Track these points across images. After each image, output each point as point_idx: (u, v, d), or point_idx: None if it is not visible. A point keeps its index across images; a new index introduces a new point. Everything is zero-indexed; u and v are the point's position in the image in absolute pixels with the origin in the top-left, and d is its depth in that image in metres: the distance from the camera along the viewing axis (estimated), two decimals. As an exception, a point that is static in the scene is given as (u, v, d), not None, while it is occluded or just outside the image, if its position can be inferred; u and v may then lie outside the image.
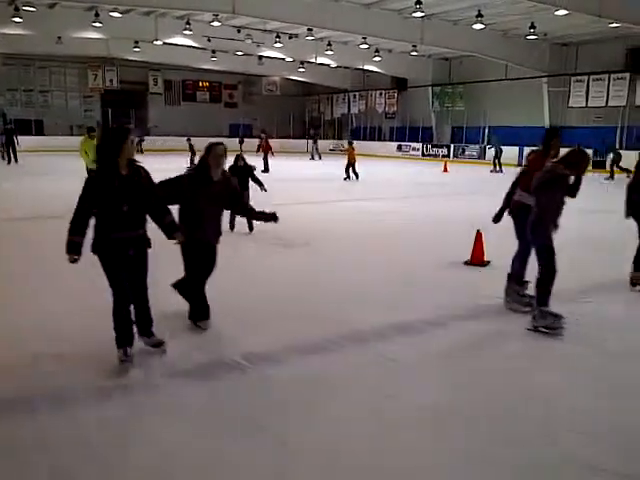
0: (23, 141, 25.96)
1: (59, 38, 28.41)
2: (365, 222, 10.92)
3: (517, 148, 27.87)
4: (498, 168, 24.59)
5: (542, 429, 3.36)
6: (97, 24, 24.53)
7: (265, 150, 22.50)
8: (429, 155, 33.26)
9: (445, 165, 24.66)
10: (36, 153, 27.09)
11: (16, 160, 23.48)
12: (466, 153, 31.27)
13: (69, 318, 5.04)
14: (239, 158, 9.10)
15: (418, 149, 34.29)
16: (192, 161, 21.47)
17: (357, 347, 4.60)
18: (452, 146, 32.43)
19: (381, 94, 37.74)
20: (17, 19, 23.22)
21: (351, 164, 18.67)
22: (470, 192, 16.63)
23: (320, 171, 23.30)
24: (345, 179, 18.76)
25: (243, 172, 8.86)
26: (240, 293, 5.95)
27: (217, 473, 2.92)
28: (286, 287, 6.30)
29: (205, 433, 3.27)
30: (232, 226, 8.92)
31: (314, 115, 44.02)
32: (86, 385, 3.76)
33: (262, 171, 19.17)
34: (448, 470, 2.97)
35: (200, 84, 41.66)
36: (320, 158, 31.53)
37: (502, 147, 25.33)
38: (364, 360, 4.34)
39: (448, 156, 31.31)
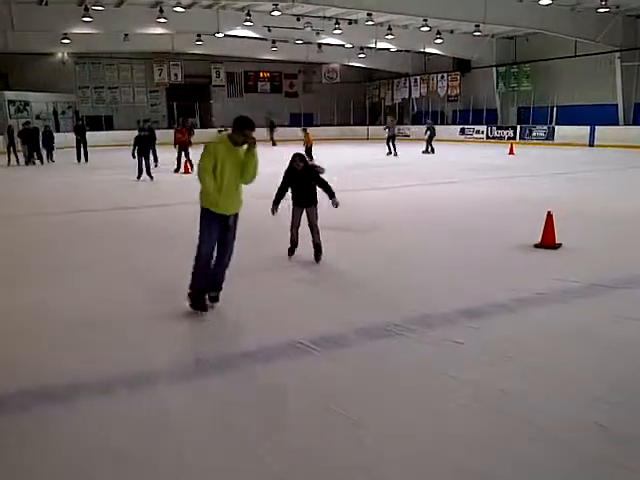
0: (94, 137, 26.89)
1: (126, 35, 29.32)
2: (431, 206, 10.76)
3: (588, 127, 26.73)
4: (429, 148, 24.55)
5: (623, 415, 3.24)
6: (161, 20, 25.23)
7: (183, 143, 17.65)
8: (494, 138, 32.30)
9: (511, 147, 23.93)
10: (106, 148, 28.07)
11: (86, 159, 21.87)
12: (533, 134, 30.18)
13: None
14: (296, 159, 6.43)
15: (482, 132, 33.35)
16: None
17: (423, 331, 4.55)
18: (518, 127, 31.37)
19: (443, 77, 36.94)
20: (87, 19, 24.17)
21: (309, 148, 19.74)
22: (539, 174, 16.07)
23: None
24: None
25: (304, 177, 6.47)
26: (305, 279, 6.00)
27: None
28: (352, 271, 6.31)
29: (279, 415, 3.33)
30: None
31: (374, 101, 43.63)
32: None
33: (175, 171, 17.25)
34: (514, 455, 2.91)
35: (261, 75, 42.04)
36: (274, 145, 30.10)
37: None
38: (430, 343, 4.29)
39: (514, 138, 30.31)
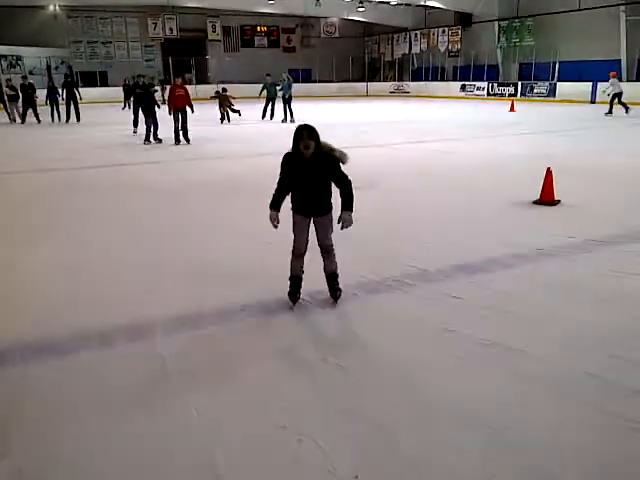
0: (87, 93, 26.29)
1: (119, -13, 28.61)
2: (429, 163, 10.69)
3: (590, 84, 26.34)
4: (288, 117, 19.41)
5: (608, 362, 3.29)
6: (155, -29, 24.53)
7: (182, 106, 13.80)
8: (495, 94, 31.91)
9: (512, 104, 23.64)
10: (101, 104, 27.64)
11: (78, 118, 20.24)
12: (535, 91, 29.79)
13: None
14: (304, 136, 3.80)
15: (483, 88, 32.93)
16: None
17: (422, 285, 4.58)
18: (519, 84, 30.94)
19: (444, 32, 36.26)
20: (78, -30, 23.50)
21: (225, 107, 19.98)
22: (539, 131, 15.94)
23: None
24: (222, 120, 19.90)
25: (316, 168, 3.94)
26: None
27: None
28: (352, 229, 6.28)
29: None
30: None
31: (374, 56, 42.93)
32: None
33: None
34: (511, 403, 2.96)
35: (258, 29, 41.20)
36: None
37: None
38: (429, 298, 4.32)
39: (515, 95, 29.94)
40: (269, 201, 4.05)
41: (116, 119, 20.97)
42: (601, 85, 23.49)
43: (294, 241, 4.15)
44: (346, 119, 20.61)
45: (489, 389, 3.09)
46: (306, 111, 21.81)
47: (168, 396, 3.07)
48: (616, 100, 19.79)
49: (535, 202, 7.19)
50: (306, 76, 40.60)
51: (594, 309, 4.09)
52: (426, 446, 2.63)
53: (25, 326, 3.93)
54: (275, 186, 4.08)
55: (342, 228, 4.03)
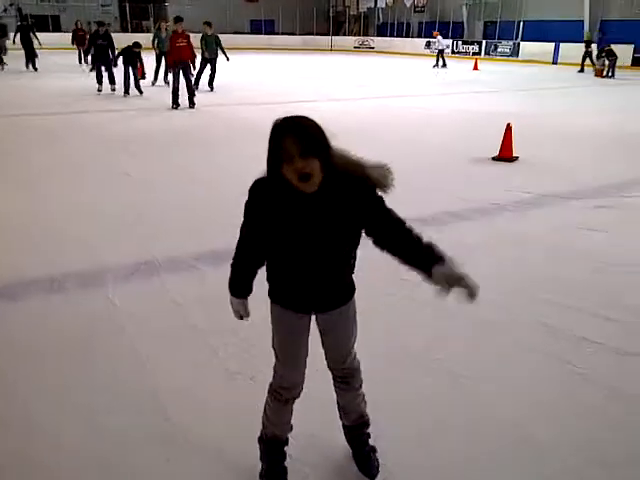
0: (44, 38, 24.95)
1: None
2: (388, 118, 10.64)
3: (552, 44, 26.42)
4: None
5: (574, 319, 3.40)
6: None
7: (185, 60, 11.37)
8: (459, 53, 31.73)
9: (476, 62, 23.61)
10: (54, 51, 26.43)
11: (34, 65, 18.78)
12: (498, 50, 29.74)
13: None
14: (290, 145, 1.72)
15: (447, 46, 32.65)
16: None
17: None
18: (484, 42, 30.82)
19: (410, -15, 35.66)
20: None
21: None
22: (500, 89, 16.01)
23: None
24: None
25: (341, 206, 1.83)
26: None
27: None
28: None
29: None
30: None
31: (338, 10, 41.99)
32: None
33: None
34: (466, 347, 3.04)
35: (220, -25, 39.65)
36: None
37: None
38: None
39: (479, 53, 29.86)
40: None
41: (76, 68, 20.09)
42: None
43: (277, 369, 2.06)
44: (309, 74, 20.26)
45: (443, 336, 3.16)
46: (268, 64, 21.36)
47: (118, 340, 3.05)
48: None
49: (494, 158, 7.27)
50: (269, 27, 39.55)
51: (546, 261, 4.20)
52: (386, 387, 2.69)
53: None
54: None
55: (472, 297, 1.82)
